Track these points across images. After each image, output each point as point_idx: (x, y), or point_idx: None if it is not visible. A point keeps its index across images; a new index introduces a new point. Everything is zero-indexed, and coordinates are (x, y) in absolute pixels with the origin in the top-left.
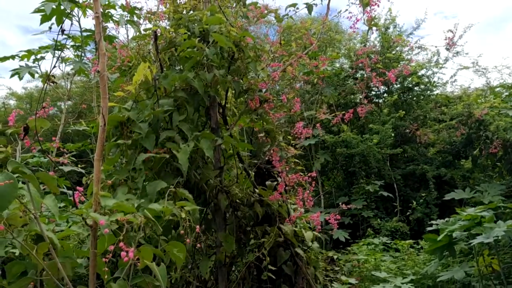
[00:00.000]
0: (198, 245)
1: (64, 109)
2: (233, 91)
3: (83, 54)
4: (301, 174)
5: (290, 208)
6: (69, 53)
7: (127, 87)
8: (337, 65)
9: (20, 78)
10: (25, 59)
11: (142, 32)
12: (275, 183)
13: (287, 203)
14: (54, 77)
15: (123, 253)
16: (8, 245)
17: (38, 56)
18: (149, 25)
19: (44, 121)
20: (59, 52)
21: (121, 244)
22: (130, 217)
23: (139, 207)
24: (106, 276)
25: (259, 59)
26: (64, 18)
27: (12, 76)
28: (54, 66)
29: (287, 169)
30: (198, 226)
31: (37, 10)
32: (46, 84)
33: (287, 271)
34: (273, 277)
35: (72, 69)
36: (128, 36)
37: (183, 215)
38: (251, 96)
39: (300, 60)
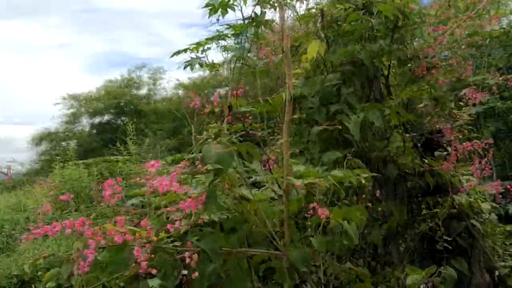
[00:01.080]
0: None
1: (229, 93)
2: (397, 61)
3: (243, 41)
4: (476, 141)
5: (461, 179)
6: (230, 42)
7: (302, 65)
8: (505, 22)
9: (192, 69)
10: (194, 51)
11: (302, 12)
12: (445, 153)
13: (459, 173)
14: (219, 66)
15: (320, 211)
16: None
17: (205, 47)
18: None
19: (241, 100)
20: (222, 41)
21: (315, 204)
22: (321, 181)
23: (323, 174)
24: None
25: (424, 24)
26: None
27: (185, 67)
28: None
29: (460, 137)
30: (378, 191)
31: (207, 5)
32: (213, 72)
33: (462, 243)
34: (449, 247)
35: (233, 56)
36: (286, 18)
37: (363, 181)
38: (416, 63)
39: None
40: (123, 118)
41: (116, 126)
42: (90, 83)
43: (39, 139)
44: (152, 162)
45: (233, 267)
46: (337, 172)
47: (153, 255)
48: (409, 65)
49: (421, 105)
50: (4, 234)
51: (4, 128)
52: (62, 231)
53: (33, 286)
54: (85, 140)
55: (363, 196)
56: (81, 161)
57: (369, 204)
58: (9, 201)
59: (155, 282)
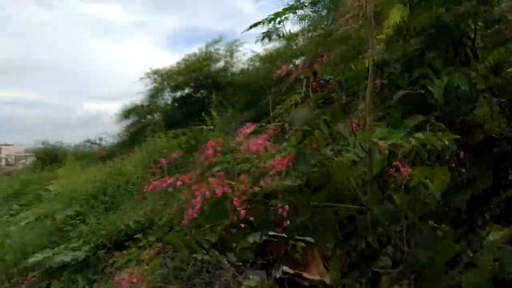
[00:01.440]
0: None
1: (306, 62)
2: (483, 23)
3: (319, 11)
4: None
5: None
6: (307, 11)
7: (384, 30)
8: None
9: (270, 40)
10: (271, 22)
11: None
12: None
13: None
14: (297, 35)
15: (402, 169)
16: None
17: (283, 17)
18: None
19: (325, 67)
20: (299, 11)
21: (397, 163)
22: (403, 142)
23: (406, 136)
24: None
25: None
26: None
27: (263, 38)
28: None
29: None
30: (462, 153)
31: None
32: (290, 42)
33: None
34: None
35: (309, 25)
36: None
37: (447, 142)
38: (504, 25)
39: None
40: (202, 91)
41: (195, 99)
42: (171, 59)
43: (126, 113)
44: (248, 124)
45: (319, 219)
46: (419, 135)
47: (249, 206)
48: (497, 26)
49: (510, 69)
50: (108, 195)
51: (94, 104)
52: (162, 191)
53: (137, 238)
54: (168, 113)
55: (446, 160)
56: (170, 131)
57: (453, 169)
58: (109, 168)
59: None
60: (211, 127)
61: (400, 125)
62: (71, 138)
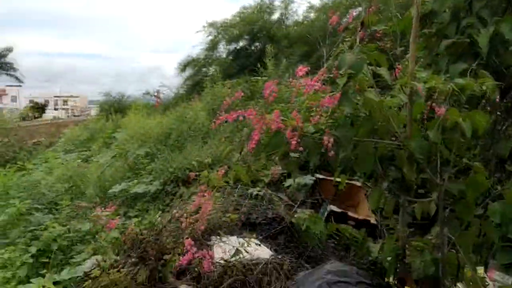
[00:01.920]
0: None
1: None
2: None
3: None
4: None
5: None
6: None
7: None
8: None
9: None
10: None
11: None
12: None
13: None
14: None
15: (437, 109)
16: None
17: None
18: None
19: (373, 16)
20: None
21: (433, 104)
22: (441, 85)
23: (445, 81)
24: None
25: None
26: None
27: None
28: None
29: None
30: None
31: None
32: None
33: None
34: None
35: None
36: None
37: (486, 88)
38: None
39: None
40: (256, 44)
41: (250, 52)
42: (230, 9)
43: (183, 66)
44: (301, 67)
45: (360, 152)
46: (459, 80)
47: (300, 139)
48: None
49: None
50: (172, 139)
51: (153, 57)
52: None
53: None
54: (224, 66)
55: (489, 107)
56: (226, 82)
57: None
58: (172, 116)
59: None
60: (266, 78)
61: (445, 73)
62: (131, 90)
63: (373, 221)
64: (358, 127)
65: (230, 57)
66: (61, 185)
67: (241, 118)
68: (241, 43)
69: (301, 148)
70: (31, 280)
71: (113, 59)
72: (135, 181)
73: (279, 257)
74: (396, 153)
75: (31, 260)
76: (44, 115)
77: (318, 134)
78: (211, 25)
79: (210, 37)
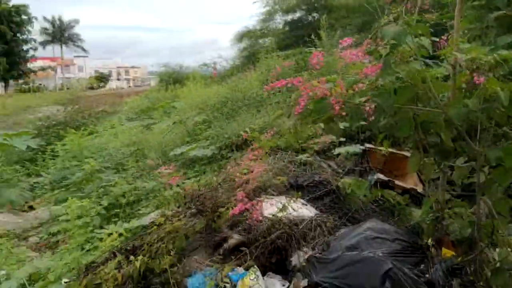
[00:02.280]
0: None
1: None
2: None
3: None
4: None
5: None
6: None
7: None
8: None
9: None
10: None
11: None
12: None
13: None
14: None
15: (476, 78)
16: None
17: None
18: None
19: None
20: None
21: (474, 75)
22: (483, 56)
23: (489, 53)
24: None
25: None
26: None
27: None
28: None
29: None
30: None
31: None
32: None
33: None
34: None
35: None
36: None
37: None
38: None
39: None
40: (313, 14)
41: (307, 22)
42: None
43: (240, 37)
44: (346, 38)
45: (400, 118)
46: (504, 51)
47: (343, 105)
48: None
49: None
50: (228, 108)
51: (210, 29)
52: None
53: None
54: (279, 37)
55: None
56: (281, 52)
57: None
58: (228, 86)
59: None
60: (320, 49)
61: (494, 44)
62: (188, 62)
63: (420, 190)
64: (399, 95)
65: (286, 28)
66: (126, 148)
67: (289, 85)
68: (297, 14)
69: (344, 113)
70: (105, 227)
71: (172, 32)
72: (194, 145)
73: (324, 215)
74: (435, 119)
75: (103, 212)
76: (108, 85)
77: (360, 101)
78: None
79: (267, 8)
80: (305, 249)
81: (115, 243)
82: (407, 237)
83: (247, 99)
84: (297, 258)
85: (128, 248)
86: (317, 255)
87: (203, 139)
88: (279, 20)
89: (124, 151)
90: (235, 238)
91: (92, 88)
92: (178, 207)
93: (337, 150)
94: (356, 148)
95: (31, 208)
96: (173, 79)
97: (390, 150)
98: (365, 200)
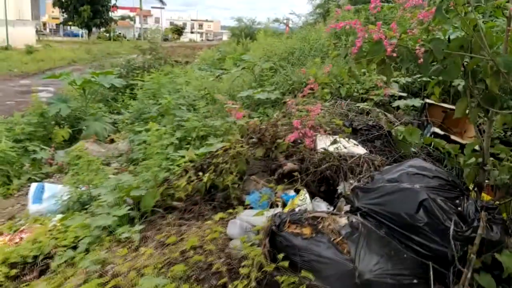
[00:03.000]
0: None
1: None
2: None
3: None
4: None
5: None
6: None
7: None
8: None
9: None
10: None
11: None
12: None
13: None
14: None
15: None
16: None
17: None
18: None
19: None
20: None
21: None
22: None
23: None
24: None
25: None
26: None
27: None
28: None
29: None
30: None
31: None
32: None
33: None
34: None
35: None
36: None
37: None
38: None
39: None
40: None
41: None
42: None
43: None
44: None
45: (449, 63)
46: None
47: (395, 48)
48: None
49: None
50: (295, 57)
51: None
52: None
53: None
54: None
55: None
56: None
57: None
58: (296, 38)
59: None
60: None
61: None
62: (261, 17)
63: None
64: (452, 42)
65: None
66: (198, 92)
67: (347, 27)
68: None
69: (394, 54)
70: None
71: None
72: (259, 89)
73: (372, 155)
74: (483, 66)
75: (177, 142)
76: (181, 37)
77: (412, 44)
78: None
79: None
80: (351, 181)
81: (187, 164)
82: (446, 175)
83: (314, 50)
84: (343, 187)
85: (197, 166)
86: (361, 185)
87: (268, 85)
88: None
89: (196, 94)
90: (289, 166)
91: (166, 39)
92: (241, 137)
93: (396, 103)
94: (416, 101)
95: (112, 141)
96: (245, 33)
97: (450, 106)
98: (415, 146)
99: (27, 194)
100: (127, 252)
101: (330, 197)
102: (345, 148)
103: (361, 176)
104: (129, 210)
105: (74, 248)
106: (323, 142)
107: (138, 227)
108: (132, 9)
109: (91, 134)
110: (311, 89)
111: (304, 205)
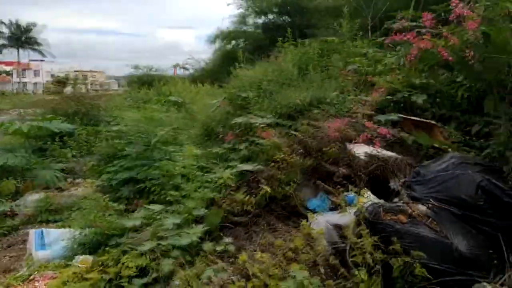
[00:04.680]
0: None
1: None
2: None
3: None
4: None
5: None
6: None
7: None
8: None
9: None
10: None
11: None
12: None
13: None
14: None
15: None
16: None
17: None
18: None
19: None
20: None
21: None
22: None
23: None
24: None
25: None
26: None
27: None
28: None
29: None
30: None
31: None
32: None
33: None
34: None
35: None
36: None
37: None
38: None
39: None
40: (284, 17)
41: (278, 24)
42: None
43: (214, 39)
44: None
45: (488, 63)
46: None
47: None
48: None
49: None
50: (266, 86)
51: (170, 33)
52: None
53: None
54: (254, 38)
55: None
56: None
57: None
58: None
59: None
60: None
61: None
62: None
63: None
64: (491, 46)
65: (259, 31)
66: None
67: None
68: (270, 16)
69: (451, 58)
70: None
71: (130, 36)
72: (249, 115)
73: (404, 156)
74: None
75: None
76: (65, 89)
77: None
78: None
79: (241, 10)
80: (397, 178)
81: (228, 181)
82: (483, 162)
83: (281, 80)
84: (394, 183)
85: (251, 179)
86: (411, 179)
87: (255, 111)
88: (252, 23)
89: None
90: (341, 171)
91: (51, 92)
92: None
93: (377, 118)
94: (395, 116)
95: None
96: (143, 81)
97: (418, 118)
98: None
99: (8, 246)
100: (232, 261)
101: (380, 193)
102: (378, 152)
103: (405, 172)
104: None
105: (142, 276)
106: (360, 149)
107: (227, 240)
108: (9, 63)
109: (42, 183)
110: None
111: (369, 201)
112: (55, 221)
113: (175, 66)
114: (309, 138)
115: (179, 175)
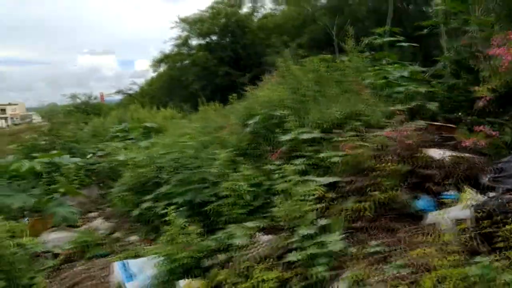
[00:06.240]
0: None
1: None
2: None
3: None
4: None
5: None
6: None
7: None
8: None
9: None
10: None
11: None
12: None
13: None
14: None
15: None
16: None
17: None
18: None
19: None
20: None
21: None
22: None
23: None
24: None
25: None
26: None
27: None
28: None
29: None
30: None
31: None
32: None
33: None
34: None
35: None
36: None
37: None
38: None
39: None
40: (229, 36)
41: (222, 45)
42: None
43: (158, 62)
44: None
45: None
46: None
47: None
48: None
49: None
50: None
51: (90, 59)
52: None
53: None
54: (200, 60)
55: None
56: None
57: None
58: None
59: None
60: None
61: None
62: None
63: None
64: None
65: (206, 52)
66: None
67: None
68: (213, 37)
69: None
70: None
71: (47, 64)
72: (298, 130)
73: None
74: None
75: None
76: None
77: None
78: (184, 20)
79: (185, 33)
80: (484, 175)
81: (328, 194)
82: None
83: (300, 97)
84: (483, 179)
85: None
86: (497, 175)
87: (291, 127)
88: (194, 44)
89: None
90: (439, 173)
91: None
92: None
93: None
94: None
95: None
96: (83, 110)
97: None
98: None
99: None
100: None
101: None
102: (458, 154)
103: (487, 169)
104: None
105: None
106: (434, 152)
107: (376, 242)
108: None
109: (61, 220)
110: None
111: (474, 198)
112: (106, 255)
113: (118, 92)
114: (383, 147)
115: (246, 193)
